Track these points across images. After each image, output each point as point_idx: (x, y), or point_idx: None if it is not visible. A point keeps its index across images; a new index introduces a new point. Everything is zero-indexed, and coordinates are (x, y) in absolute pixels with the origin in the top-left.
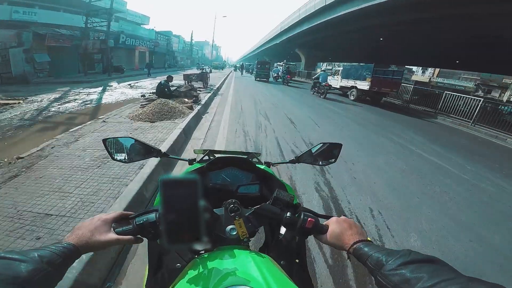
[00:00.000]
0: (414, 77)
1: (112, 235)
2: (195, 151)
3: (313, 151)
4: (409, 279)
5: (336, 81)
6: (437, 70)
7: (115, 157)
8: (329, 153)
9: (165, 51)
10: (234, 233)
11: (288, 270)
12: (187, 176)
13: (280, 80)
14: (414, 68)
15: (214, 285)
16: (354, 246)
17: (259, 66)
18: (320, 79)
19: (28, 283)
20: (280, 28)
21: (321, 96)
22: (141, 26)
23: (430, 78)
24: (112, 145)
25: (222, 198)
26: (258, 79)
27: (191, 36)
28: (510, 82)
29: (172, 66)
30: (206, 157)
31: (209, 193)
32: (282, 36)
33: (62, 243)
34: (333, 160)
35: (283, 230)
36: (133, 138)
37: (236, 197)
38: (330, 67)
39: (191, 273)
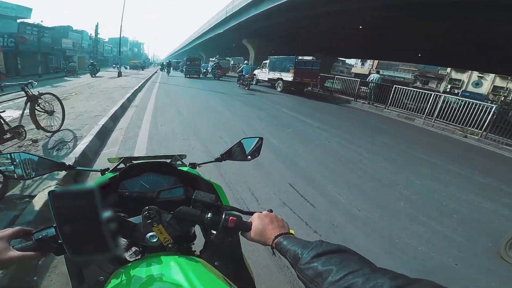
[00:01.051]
0: (354, 70)
1: (11, 253)
2: (109, 160)
3: (236, 147)
4: (321, 272)
5: (264, 74)
6: (376, 62)
7: (8, 174)
8: (251, 147)
9: (37, 49)
10: (155, 240)
11: (224, 270)
12: (82, 186)
13: (209, 75)
14: (353, 61)
15: None
16: (276, 240)
17: (188, 63)
18: (243, 71)
19: None
20: (226, 13)
21: (246, 88)
22: (18, 20)
23: (369, 70)
24: (2, 163)
25: (144, 206)
26: (188, 76)
27: (96, 30)
28: (445, 73)
29: (61, 70)
30: (122, 165)
31: (126, 202)
32: (229, 22)
33: None
34: (256, 154)
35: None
36: (28, 153)
37: (157, 203)
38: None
39: (113, 284)
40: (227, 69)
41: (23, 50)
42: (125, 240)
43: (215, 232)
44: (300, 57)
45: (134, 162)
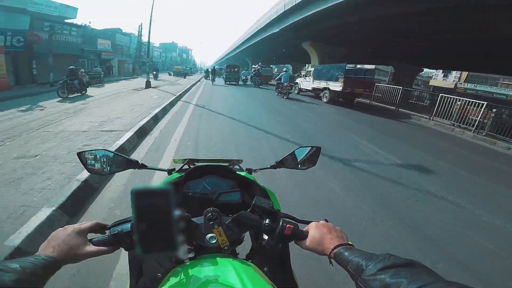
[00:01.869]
0: (432, 82)
1: (89, 247)
2: (174, 161)
3: (291, 156)
4: (389, 285)
5: (308, 83)
6: (464, 73)
7: (91, 169)
8: (308, 156)
9: (46, 49)
10: (214, 241)
11: (272, 276)
12: (159, 186)
13: (249, 82)
14: (431, 70)
15: None
16: (335, 250)
17: (228, 69)
18: (282, 79)
19: None
20: (284, 6)
21: (284, 97)
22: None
23: (456, 84)
24: (87, 158)
25: (203, 207)
26: (227, 82)
27: (139, 31)
28: None
29: (96, 76)
30: (186, 166)
31: (189, 202)
32: (286, 19)
33: (41, 256)
34: (310, 163)
35: (266, 237)
36: (110, 151)
37: (217, 205)
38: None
39: (171, 282)
40: (269, 77)
41: (39, 51)
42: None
43: (266, 238)
44: (351, 65)
45: (197, 164)
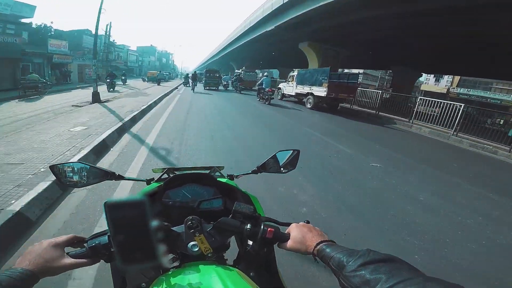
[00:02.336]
0: (423, 87)
1: (66, 260)
2: (153, 170)
3: (272, 160)
4: (369, 281)
5: (291, 88)
6: (457, 78)
7: (66, 182)
8: (288, 160)
9: None
10: (196, 249)
11: (258, 281)
12: (133, 197)
13: (230, 88)
14: (423, 76)
15: None
16: (317, 247)
17: (208, 74)
18: (264, 84)
19: None
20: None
21: (266, 103)
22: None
23: (448, 89)
24: (61, 171)
25: (185, 216)
26: (207, 87)
27: (107, 31)
28: None
29: (31, 86)
30: (166, 175)
31: (169, 212)
32: (282, 16)
33: (17, 269)
34: (291, 166)
35: (250, 242)
36: (85, 163)
37: (198, 213)
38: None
39: None
40: (252, 82)
41: None
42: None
43: (250, 243)
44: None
45: (176, 172)
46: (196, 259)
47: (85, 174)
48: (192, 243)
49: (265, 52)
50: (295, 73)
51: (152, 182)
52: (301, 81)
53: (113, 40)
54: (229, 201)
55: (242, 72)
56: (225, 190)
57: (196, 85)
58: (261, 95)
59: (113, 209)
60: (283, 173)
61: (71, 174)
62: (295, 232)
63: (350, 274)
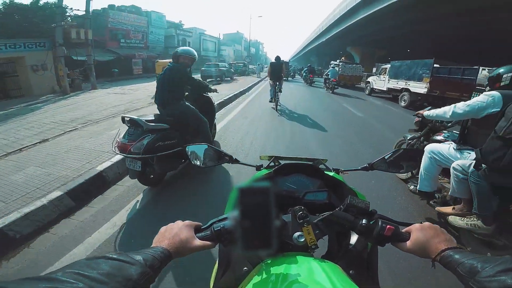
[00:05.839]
0: None
1: (196, 241)
2: (261, 157)
3: (386, 158)
4: (510, 286)
5: (382, 82)
6: None
7: (194, 161)
8: (406, 160)
9: None
10: (302, 240)
11: (357, 281)
12: (261, 184)
13: (298, 77)
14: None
15: None
16: (442, 254)
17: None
18: (330, 75)
19: (137, 285)
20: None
21: (330, 92)
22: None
23: None
24: (191, 151)
25: (287, 205)
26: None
27: None
28: None
29: None
30: (272, 163)
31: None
32: (331, 31)
33: (158, 248)
34: (411, 168)
35: (353, 238)
36: (208, 145)
37: (302, 204)
38: (338, 63)
39: (258, 278)
40: (355, 78)
41: None
42: None
43: (353, 240)
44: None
45: (282, 162)
46: (295, 249)
47: (209, 155)
48: (298, 233)
49: (335, 50)
50: (388, 65)
51: (261, 168)
52: (395, 75)
53: (180, 21)
54: (333, 195)
55: (341, 63)
56: (330, 183)
57: (280, 91)
58: (326, 84)
59: (244, 194)
60: (402, 173)
61: (198, 154)
62: (419, 234)
63: (485, 279)
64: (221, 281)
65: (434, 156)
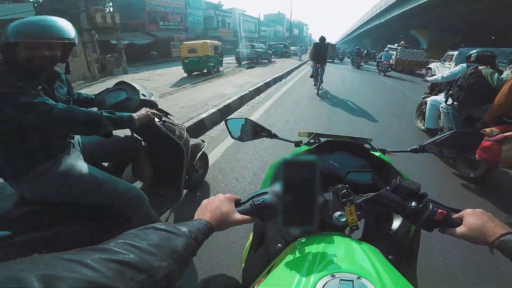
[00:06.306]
0: None
1: (237, 215)
2: (299, 134)
3: (437, 141)
4: None
5: (445, 69)
6: None
7: (233, 135)
8: (461, 143)
9: None
10: (343, 219)
11: (396, 267)
12: (307, 157)
13: (347, 60)
14: None
15: (320, 269)
16: (501, 238)
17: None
18: (382, 58)
19: (181, 256)
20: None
21: (382, 74)
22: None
23: None
24: (231, 125)
25: (327, 183)
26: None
27: None
28: None
29: None
30: (312, 140)
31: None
32: (391, 11)
33: (202, 220)
34: (465, 152)
35: (395, 223)
36: (249, 119)
37: (344, 183)
38: (394, 46)
39: (293, 255)
40: (417, 64)
41: None
42: None
43: (396, 224)
44: None
45: (322, 139)
46: (331, 229)
47: (248, 129)
48: (339, 212)
49: (393, 33)
50: (455, 52)
51: (301, 144)
52: (462, 62)
53: (219, 2)
54: (378, 177)
55: (399, 48)
56: (374, 164)
57: (322, 79)
58: (379, 67)
59: (288, 167)
60: (451, 157)
61: (238, 128)
62: (473, 218)
63: None
64: (255, 256)
65: (434, 103)
